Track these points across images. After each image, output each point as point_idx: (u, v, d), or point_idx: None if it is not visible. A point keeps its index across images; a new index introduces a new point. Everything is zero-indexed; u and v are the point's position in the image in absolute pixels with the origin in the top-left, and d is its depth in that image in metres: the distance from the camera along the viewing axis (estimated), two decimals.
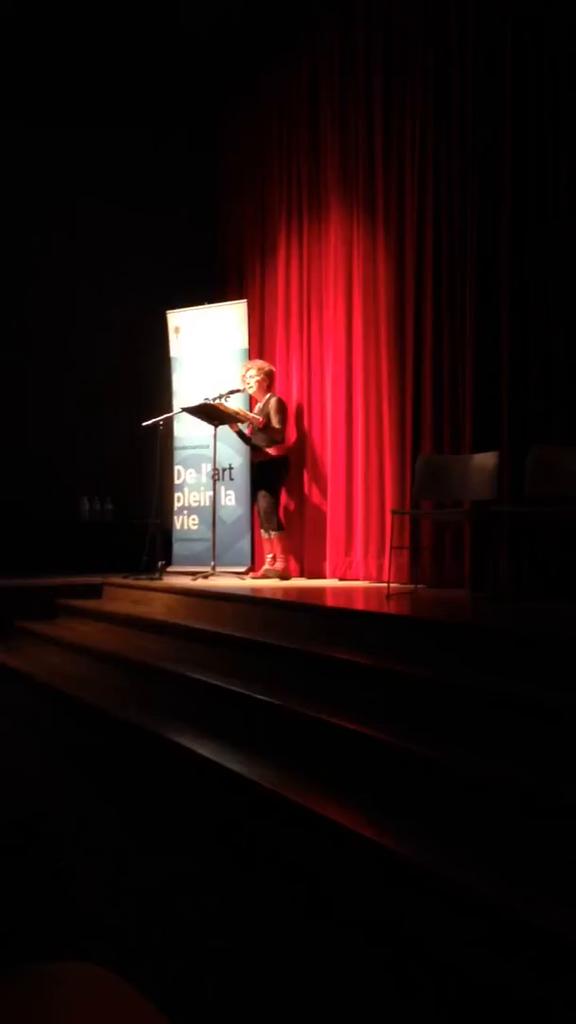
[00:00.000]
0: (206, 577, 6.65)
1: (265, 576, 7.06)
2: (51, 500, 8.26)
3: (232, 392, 7.11)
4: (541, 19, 5.28)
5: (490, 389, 5.55)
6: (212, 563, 6.86)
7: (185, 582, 6.37)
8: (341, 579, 6.95)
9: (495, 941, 2.17)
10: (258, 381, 7.21)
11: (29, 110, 8.33)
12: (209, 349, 7.93)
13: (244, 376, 7.28)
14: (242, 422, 7.18)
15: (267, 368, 7.28)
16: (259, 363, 7.34)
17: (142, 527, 7.34)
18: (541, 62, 5.28)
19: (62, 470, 8.35)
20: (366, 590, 6.01)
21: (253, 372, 7.22)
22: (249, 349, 7.75)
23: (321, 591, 5.97)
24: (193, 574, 6.79)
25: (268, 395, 7.22)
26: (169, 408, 7.81)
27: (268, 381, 7.26)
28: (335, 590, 6.09)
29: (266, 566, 7.13)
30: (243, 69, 8.35)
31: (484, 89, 5.62)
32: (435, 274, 6.13)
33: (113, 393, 8.52)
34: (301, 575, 7.38)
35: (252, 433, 7.23)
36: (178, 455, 8.06)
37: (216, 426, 7.02)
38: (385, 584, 5.71)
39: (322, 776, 3.24)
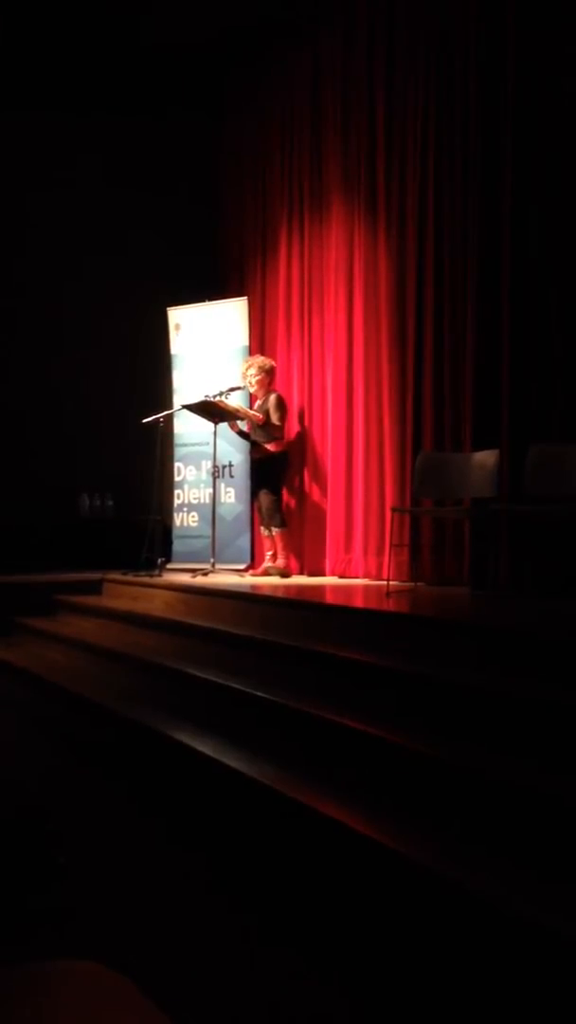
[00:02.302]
0: (205, 574, 6.64)
1: (266, 573, 7.06)
2: (51, 497, 8.26)
3: (232, 389, 7.10)
4: (544, 17, 5.27)
5: (490, 386, 5.54)
6: (212, 560, 6.85)
7: (185, 579, 6.37)
8: (341, 577, 6.95)
9: (497, 942, 2.17)
10: (259, 380, 7.19)
11: (24, 100, 8.31)
12: (209, 346, 7.92)
13: (244, 373, 7.27)
14: (242, 419, 7.18)
15: (267, 365, 7.25)
16: (259, 360, 7.30)
17: (142, 524, 7.33)
18: (544, 61, 5.27)
19: (62, 467, 8.35)
20: (366, 588, 6.01)
21: (254, 370, 7.20)
22: (250, 346, 7.74)
23: (320, 589, 5.97)
24: (193, 571, 6.79)
25: (269, 392, 7.21)
26: (169, 405, 7.81)
27: (269, 378, 7.23)
28: (334, 588, 6.09)
29: (267, 563, 7.12)
30: (245, 66, 8.33)
31: (487, 88, 5.61)
32: (436, 272, 6.12)
33: (113, 390, 8.51)
34: (301, 572, 7.38)
35: (252, 430, 7.22)
36: (178, 452, 8.06)
37: (216, 423, 7.02)
38: (385, 582, 5.70)
39: (321, 774, 3.24)
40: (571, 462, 4.82)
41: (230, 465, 7.60)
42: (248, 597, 5.35)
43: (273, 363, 7.35)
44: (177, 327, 8.17)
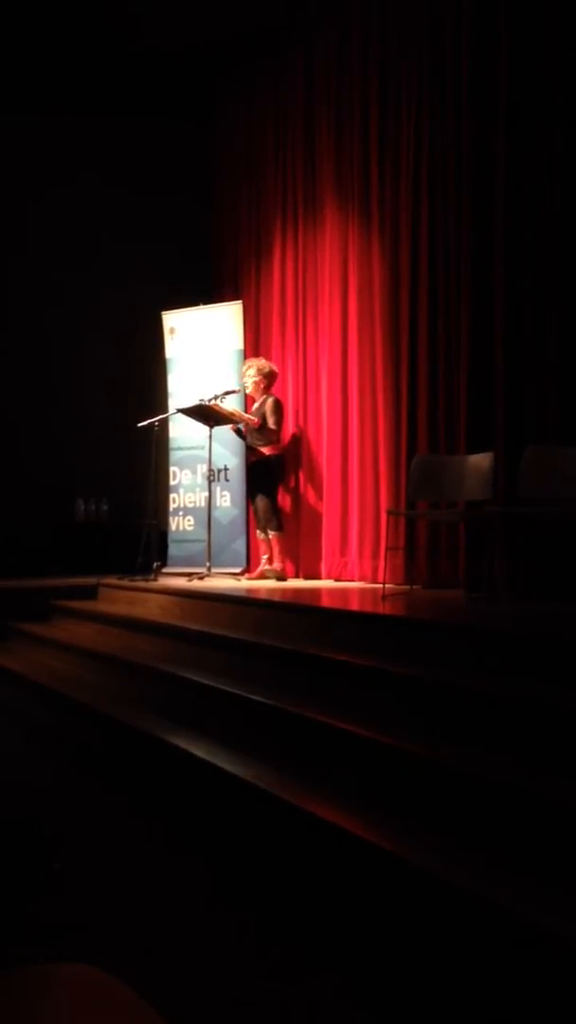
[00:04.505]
0: (201, 578, 6.64)
1: (263, 576, 7.06)
2: (47, 501, 8.26)
3: (228, 393, 7.10)
4: (537, 19, 5.29)
5: (485, 389, 5.55)
6: (207, 564, 6.85)
7: (180, 583, 6.37)
8: (337, 580, 6.95)
9: (495, 942, 2.18)
10: (255, 382, 7.20)
11: (20, 104, 8.31)
12: (205, 350, 7.93)
13: (243, 374, 7.29)
14: (237, 423, 7.18)
15: (266, 369, 7.24)
16: (257, 363, 7.29)
17: (137, 528, 7.34)
18: (538, 63, 5.29)
19: (58, 471, 8.35)
20: (361, 591, 6.01)
21: (252, 372, 7.21)
22: (244, 350, 7.75)
23: (316, 592, 5.97)
24: (188, 575, 6.79)
25: (265, 396, 7.21)
26: (165, 409, 7.81)
27: (266, 382, 7.23)
28: (330, 591, 6.09)
29: (265, 566, 7.12)
30: (239, 70, 8.34)
31: (480, 89, 5.62)
32: (430, 274, 6.13)
33: (109, 394, 8.52)
34: (297, 576, 7.38)
35: (247, 433, 7.22)
36: (173, 456, 8.06)
37: (212, 427, 7.02)
38: (380, 585, 5.71)
39: (318, 777, 3.24)
40: (566, 464, 4.83)
41: (225, 469, 7.60)
42: (244, 601, 5.35)
43: (272, 367, 7.30)
44: (172, 331, 8.17)
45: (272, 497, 7.16)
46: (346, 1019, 2.21)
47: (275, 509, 7.15)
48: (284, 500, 7.50)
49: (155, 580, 6.64)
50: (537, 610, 4.64)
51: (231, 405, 7.19)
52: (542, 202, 5.27)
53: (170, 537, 8.03)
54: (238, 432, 7.28)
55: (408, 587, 5.93)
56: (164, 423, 7.46)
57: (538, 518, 4.96)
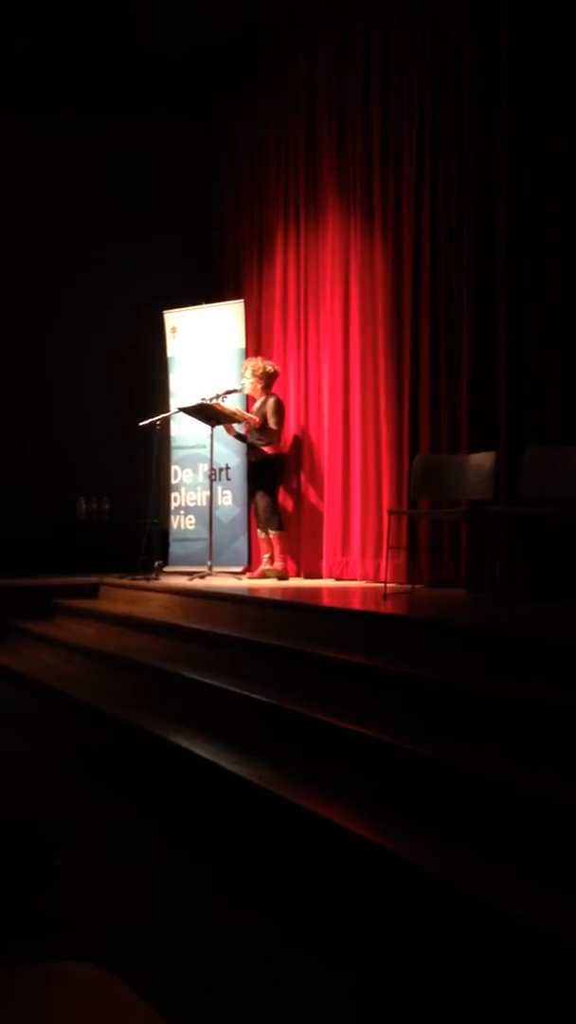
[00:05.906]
0: (203, 577, 6.64)
1: (264, 576, 7.06)
2: (48, 500, 8.25)
3: (229, 392, 7.10)
4: (538, 18, 5.29)
5: (487, 388, 5.55)
6: (209, 563, 6.85)
7: (182, 582, 6.37)
8: (338, 579, 6.95)
9: (494, 942, 2.17)
10: (252, 383, 7.19)
11: (21, 103, 8.31)
12: (206, 349, 7.92)
13: (243, 374, 7.29)
14: (239, 422, 7.18)
15: (260, 370, 7.20)
16: (253, 364, 7.24)
17: (139, 527, 7.33)
18: (540, 60, 5.29)
19: (59, 470, 8.34)
20: (363, 590, 6.01)
21: (248, 374, 7.20)
22: (246, 349, 7.75)
23: (318, 591, 5.97)
24: (190, 574, 6.79)
25: (266, 395, 7.20)
26: (166, 408, 7.81)
27: (263, 383, 7.21)
28: (332, 590, 6.09)
29: (265, 566, 7.12)
30: (241, 68, 8.34)
31: (482, 89, 5.62)
32: (432, 274, 6.13)
33: (110, 393, 8.52)
34: (298, 575, 7.38)
35: (248, 432, 7.22)
36: (175, 455, 8.06)
37: (213, 426, 7.02)
38: (382, 584, 5.71)
39: (319, 776, 3.24)
40: (568, 464, 4.82)
41: (227, 468, 7.60)
42: (245, 600, 5.35)
43: (268, 368, 7.23)
44: (174, 330, 8.17)
45: (273, 496, 7.16)
46: (347, 1019, 2.20)
47: (276, 508, 7.14)
48: (285, 499, 7.50)
49: (156, 579, 6.64)
50: (539, 610, 4.64)
51: (232, 404, 7.19)
52: (544, 201, 5.26)
53: (171, 536, 8.03)
54: (238, 436, 7.27)
55: (410, 586, 5.93)
56: (165, 422, 7.46)
57: (540, 518, 4.96)
